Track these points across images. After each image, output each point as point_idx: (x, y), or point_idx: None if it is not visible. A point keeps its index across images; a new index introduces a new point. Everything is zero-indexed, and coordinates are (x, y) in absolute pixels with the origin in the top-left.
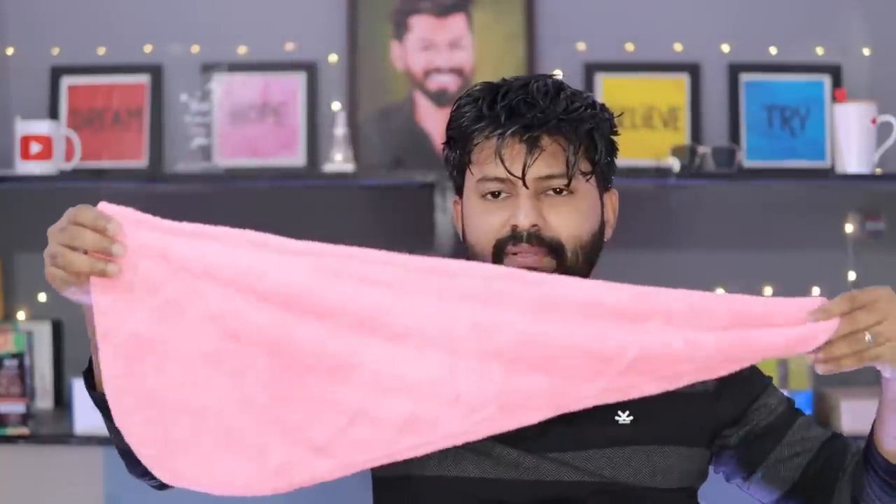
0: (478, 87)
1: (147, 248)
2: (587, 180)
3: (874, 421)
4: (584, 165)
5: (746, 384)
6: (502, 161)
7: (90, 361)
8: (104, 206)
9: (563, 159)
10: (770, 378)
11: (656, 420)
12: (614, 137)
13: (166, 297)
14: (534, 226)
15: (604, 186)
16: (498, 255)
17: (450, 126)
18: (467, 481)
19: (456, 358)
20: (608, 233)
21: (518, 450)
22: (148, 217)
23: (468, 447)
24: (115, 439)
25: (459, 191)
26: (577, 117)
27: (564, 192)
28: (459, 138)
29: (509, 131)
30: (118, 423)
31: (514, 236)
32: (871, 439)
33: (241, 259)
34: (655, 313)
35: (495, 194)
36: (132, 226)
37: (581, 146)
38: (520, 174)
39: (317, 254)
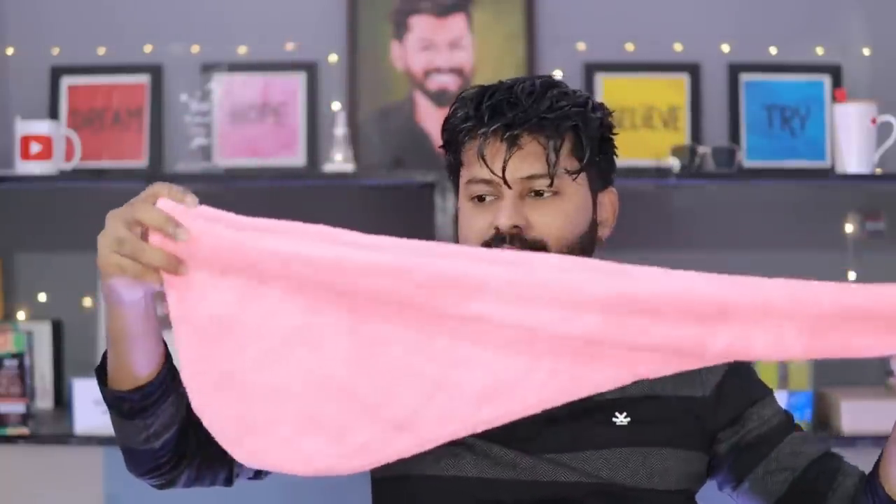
0: (472, 89)
1: (222, 238)
2: (574, 179)
3: (882, 454)
4: (570, 164)
5: (746, 388)
6: (484, 161)
7: (103, 357)
8: (163, 203)
9: (544, 158)
10: (771, 390)
11: (654, 422)
12: (612, 136)
13: (247, 278)
14: (515, 227)
15: (599, 185)
16: None
17: (443, 128)
18: (465, 481)
19: (533, 339)
20: (605, 232)
21: (515, 450)
22: (218, 212)
23: (466, 447)
24: (119, 438)
25: (458, 192)
26: (561, 115)
27: (547, 194)
28: (451, 140)
29: (490, 130)
30: (195, 406)
31: (497, 238)
32: (876, 470)
33: (316, 247)
34: (745, 307)
35: (481, 198)
36: (204, 221)
37: (565, 144)
38: (500, 173)
39: (389, 247)
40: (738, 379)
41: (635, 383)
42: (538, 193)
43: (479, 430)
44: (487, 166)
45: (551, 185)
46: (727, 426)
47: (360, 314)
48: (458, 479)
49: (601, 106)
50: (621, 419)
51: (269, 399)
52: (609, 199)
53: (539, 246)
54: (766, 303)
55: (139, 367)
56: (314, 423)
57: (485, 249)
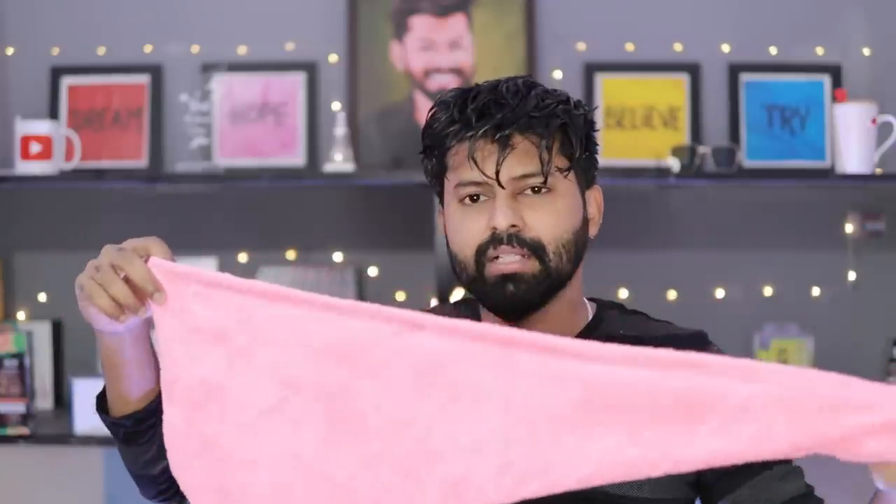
0: (450, 93)
1: (215, 300)
2: (565, 177)
3: None
4: (561, 162)
5: None
6: (476, 163)
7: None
8: (154, 263)
9: (536, 157)
10: None
11: None
12: (594, 133)
13: (237, 345)
14: (513, 226)
15: (585, 184)
16: (479, 260)
17: (424, 134)
18: None
19: (510, 421)
20: (593, 230)
21: None
22: (218, 275)
23: None
24: (127, 464)
25: (442, 199)
26: (548, 113)
27: (542, 191)
28: (434, 145)
29: (480, 132)
30: (174, 470)
31: (494, 239)
32: None
33: (305, 315)
34: (726, 400)
35: (473, 198)
36: (202, 286)
37: (555, 142)
38: (493, 175)
39: (378, 317)
40: None
41: None
42: (534, 190)
43: None
44: (479, 169)
45: (545, 182)
46: None
47: (341, 393)
48: None
49: (582, 103)
50: None
51: (245, 470)
52: (595, 197)
53: (536, 245)
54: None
55: (131, 394)
56: (281, 499)
57: (476, 325)
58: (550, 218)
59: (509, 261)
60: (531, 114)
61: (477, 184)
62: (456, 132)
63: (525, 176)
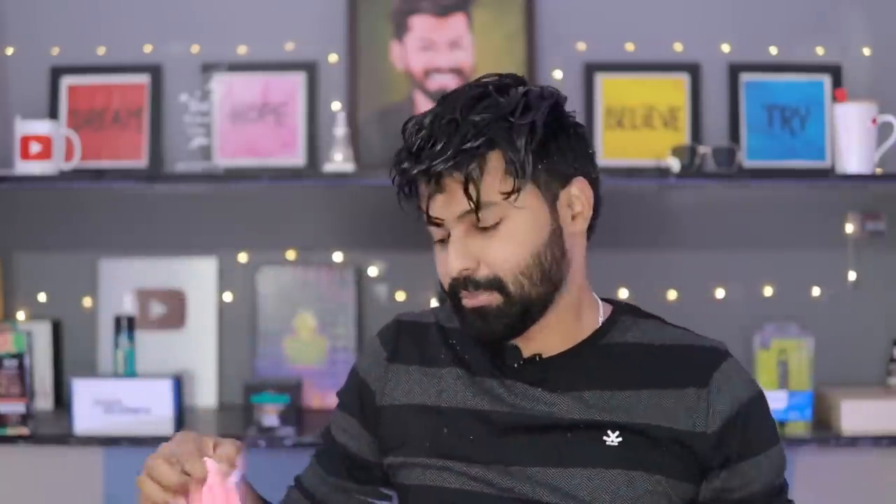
0: (412, 120)
1: None
2: (514, 200)
3: None
4: (506, 185)
5: (748, 436)
6: (419, 207)
7: None
8: (210, 463)
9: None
10: (777, 439)
11: (646, 447)
12: (569, 125)
13: None
14: (465, 269)
15: (558, 185)
16: (455, 297)
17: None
18: (448, 492)
19: None
20: (580, 226)
21: (497, 466)
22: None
23: (444, 466)
24: None
25: None
26: (481, 142)
27: (492, 222)
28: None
29: (414, 173)
30: None
31: (459, 285)
32: None
33: None
34: None
35: (443, 239)
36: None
37: (492, 169)
38: (431, 216)
39: None
40: (746, 422)
41: (631, 411)
42: (479, 226)
43: None
44: (423, 211)
45: (478, 220)
46: (719, 467)
47: None
48: (443, 489)
49: (540, 98)
50: (612, 438)
51: None
52: (578, 190)
53: (492, 282)
54: None
55: None
56: None
57: None
58: (504, 250)
59: (474, 299)
60: (460, 148)
61: (430, 223)
62: (401, 171)
63: (466, 213)
